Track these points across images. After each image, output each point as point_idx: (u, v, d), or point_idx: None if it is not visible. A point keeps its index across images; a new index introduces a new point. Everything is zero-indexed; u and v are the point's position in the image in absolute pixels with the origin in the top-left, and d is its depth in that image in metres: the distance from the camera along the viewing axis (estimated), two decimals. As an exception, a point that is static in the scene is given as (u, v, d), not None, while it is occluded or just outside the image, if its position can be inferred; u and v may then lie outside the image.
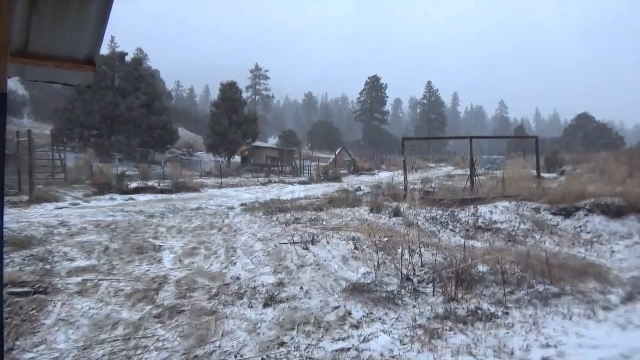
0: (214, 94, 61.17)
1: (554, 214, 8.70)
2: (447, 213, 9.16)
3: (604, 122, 77.10)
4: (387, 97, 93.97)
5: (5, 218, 6.24)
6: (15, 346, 3.42)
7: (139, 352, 3.40)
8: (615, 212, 8.16)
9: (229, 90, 43.69)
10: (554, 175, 20.65)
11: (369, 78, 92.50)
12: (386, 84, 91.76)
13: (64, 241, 6.93)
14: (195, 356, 3.36)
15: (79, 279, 5.08)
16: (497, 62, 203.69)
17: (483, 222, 8.43)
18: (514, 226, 8.13)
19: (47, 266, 5.54)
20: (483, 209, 9.09)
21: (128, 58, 41.02)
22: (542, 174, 14.92)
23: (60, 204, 12.11)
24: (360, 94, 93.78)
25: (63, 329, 3.79)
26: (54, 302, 4.34)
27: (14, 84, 54.35)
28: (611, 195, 8.75)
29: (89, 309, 4.24)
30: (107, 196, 14.77)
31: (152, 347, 3.48)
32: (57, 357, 3.30)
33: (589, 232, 7.78)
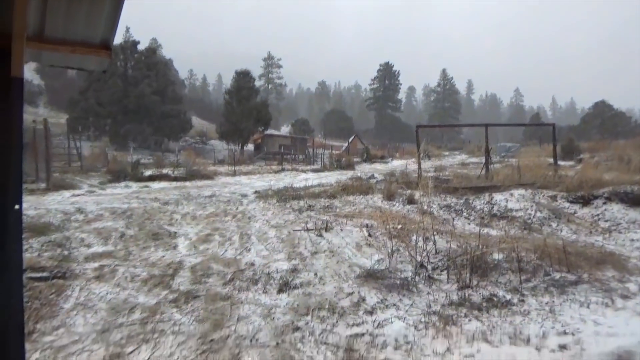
0: (227, 83, 61.28)
1: (571, 202, 8.58)
2: (461, 201, 9.09)
3: (622, 110, 75.46)
4: (401, 84, 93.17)
5: (24, 205, 6.35)
6: (36, 329, 3.49)
7: (155, 335, 3.45)
8: (634, 201, 8.01)
9: (243, 79, 43.70)
10: (570, 163, 20.33)
11: (381, 65, 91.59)
12: (399, 71, 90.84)
13: (81, 228, 7.03)
14: (211, 340, 3.39)
15: (96, 265, 5.15)
16: (512, 50, 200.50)
17: (498, 210, 8.35)
18: (530, 214, 8.03)
19: (65, 252, 5.63)
20: (498, 196, 8.99)
21: (142, 47, 41.19)
22: (558, 162, 14.71)
23: (77, 192, 12.28)
24: (372, 81, 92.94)
25: (82, 313, 3.85)
26: (73, 287, 4.41)
27: (30, 73, 55.02)
28: (630, 183, 8.60)
29: (107, 293, 4.30)
30: (123, 184, 14.94)
31: (168, 331, 3.53)
32: (76, 340, 3.36)
33: (607, 221, 7.66)
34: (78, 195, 11.65)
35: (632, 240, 6.68)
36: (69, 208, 8.70)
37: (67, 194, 11.73)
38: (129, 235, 6.63)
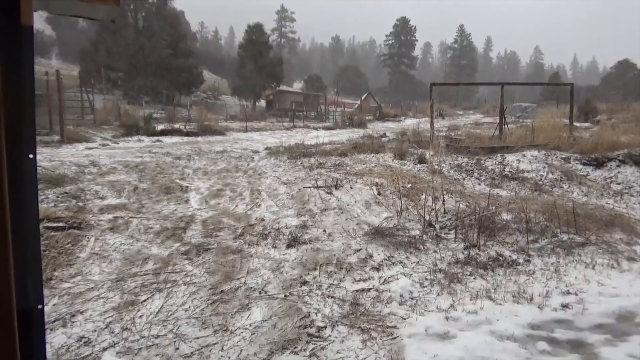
0: (239, 36, 60.10)
1: (584, 164, 8.48)
2: (473, 161, 9.03)
3: (646, 69, 72.90)
4: (417, 41, 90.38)
5: (39, 157, 6.43)
6: (54, 276, 3.63)
7: (168, 285, 3.57)
8: (649, 164, 7.90)
9: (255, 32, 42.84)
10: (587, 124, 19.93)
11: (397, 20, 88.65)
12: (415, 27, 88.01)
13: (95, 180, 7.16)
14: (222, 291, 3.51)
15: (110, 216, 5.28)
16: (534, 6, 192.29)
17: (510, 171, 8.30)
18: (542, 176, 7.98)
19: (80, 203, 5.77)
20: (510, 157, 8.91)
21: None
22: (575, 124, 14.43)
23: (90, 145, 12.42)
24: (387, 37, 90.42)
25: (97, 262, 3.99)
26: (88, 237, 4.55)
27: (41, 24, 54.46)
28: (646, 146, 8.45)
29: (121, 244, 4.43)
30: (135, 138, 15.05)
31: (180, 282, 3.65)
32: (92, 287, 3.50)
33: (619, 184, 7.59)
34: (91, 148, 11.79)
35: (644, 203, 6.64)
36: (83, 161, 8.83)
37: (80, 146, 11.87)
38: (141, 189, 6.75)
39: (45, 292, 3.19)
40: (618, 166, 8.09)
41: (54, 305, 3.17)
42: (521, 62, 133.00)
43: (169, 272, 3.83)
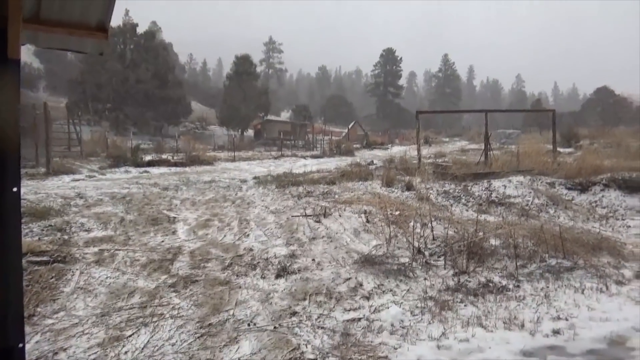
0: (227, 67, 60.81)
1: (569, 188, 8.60)
2: (460, 187, 9.10)
3: (624, 96, 75.02)
4: (402, 70, 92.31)
5: (24, 189, 6.35)
6: (36, 313, 3.53)
7: (155, 319, 3.49)
8: (631, 187, 8.04)
9: (243, 63, 43.43)
10: (570, 149, 20.31)
11: (383, 51, 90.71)
12: (401, 57, 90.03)
13: (81, 212, 7.06)
14: (210, 324, 3.43)
15: (96, 249, 5.19)
16: (514, 35, 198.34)
17: (496, 197, 8.37)
18: (528, 201, 8.06)
19: (65, 236, 5.67)
20: (497, 183, 9.01)
21: (141, 30, 40.76)
22: (558, 149, 14.70)
23: (76, 176, 12.30)
24: (374, 67, 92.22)
25: (82, 297, 3.90)
26: (73, 271, 4.45)
27: (29, 57, 54.57)
28: (628, 170, 8.61)
29: (107, 277, 4.34)
30: (122, 169, 14.95)
31: (167, 315, 3.57)
32: (76, 323, 3.40)
33: (604, 207, 7.69)
34: (78, 180, 11.67)
35: (629, 226, 6.72)
36: (69, 192, 8.72)
37: (67, 178, 11.75)
38: (128, 220, 6.66)
39: (27, 329, 3.10)
40: (602, 190, 8.22)
41: (36, 342, 3.08)
42: (504, 89, 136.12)
43: (156, 306, 3.76)
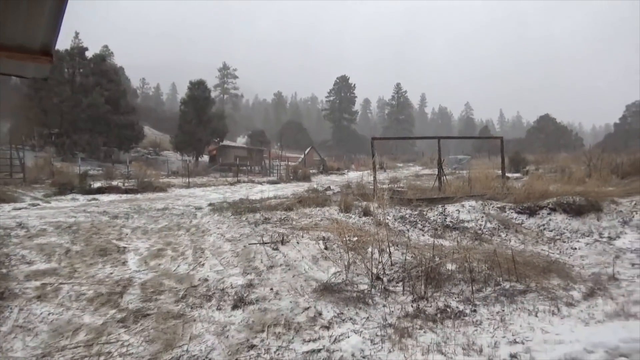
0: (182, 92, 60.11)
1: (518, 212, 8.91)
2: (416, 212, 9.25)
3: (564, 124, 79.87)
4: (356, 97, 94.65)
5: (-42, 220, 5.89)
6: (-33, 355, 3.24)
7: (102, 358, 3.28)
8: (576, 211, 8.42)
9: (197, 88, 43.00)
10: (518, 175, 21.22)
11: (338, 78, 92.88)
12: (355, 84, 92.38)
13: (22, 244, 6.62)
14: (162, 361, 3.25)
15: (37, 283, 4.86)
16: (462, 66, 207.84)
17: (451, 221, 8.55)
18: (481, 225, 8.28)
19: (4, 270, 5.28)
20: (451, 208, 9.23)
21: (91, 54, 39.70)
22: (507, 174, 15.29)
23: (18, 205, 11.61)
24: (329, 93, 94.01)
25: (20, 336, 3.61)
26: (11, 308, 4.13)
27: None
28: (572, 194, 9.03)
29: (49, 314, 4.06)
30: (69, 196, 14.26)
31: (115, 353, 3.36)
32: (13, 366, 3.14)
33: (551, 230, 8.00)
34: (20, 208, 11.01)
35: (575, 249, 7.00)
36: (9, 223, 8.19)
37: (7, 207, 11.06)
38: (74, 251, 6.30)
39: (-45, 375, 2.82)
40: (549, 214, 8.57)
41: (-35, 390, 2.80)
42: (454, 116, 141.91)
43: (103, 343, 3.52)
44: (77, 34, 46.92)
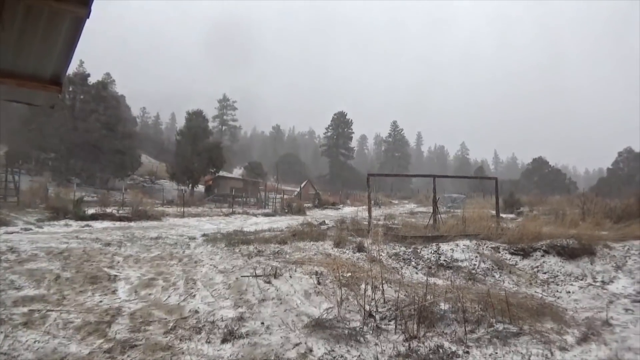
0: (181, 122, 60.70)
1: (512, 253, 8.92)
2: (410, 250, 9.24)
3: (557, 166, 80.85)
4: (353, 133, 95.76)
5: (-52, 242, 5.83)
6: (-52, 382, 3.15)
7: (86, 389, 3.20)
8: (570, 254, 8.44)
9: (195, 119, 43.44)
10: (512, 215, 21.29)
11: (335, 114, 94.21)
12: (352, 120, 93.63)
13: (11, 268, 6.54)
14: (147, 394, 3.18)
15: (25, 310, 4.78)
16: (459, 107, 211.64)
17: (445, 260, 8.53)
18: (475, 265, 8.26)
19: (-9, 295, 5.20)
20: (445, 246, 9.22)
21: (93, 81, 40.23)
22: (501, 214, 15.36)
23: (10, 229, 11.52)
24: (327, 129, 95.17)
25: (3, 364, 3.53)
26: (-4, 334, 4.05)
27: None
28: (566, 237, 9.07)
29: (35, 342, 3.98)
30: (63, 222, 14.16)
31: (100, 385, 3.28)
32: (-6, 394, 3.06)
33: (545, 273, 7.99)
34: (12, 232, 10.92)
35: (568, 292, 6.98)
36: (0, 246, 8.11)
37: (-1, 231, 10.97)
38: (64, 278, 6.23)
39: None
40: (542, 256, 8.58)
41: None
42: (449, 155, 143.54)
43: (88, 374, 3.45)
44: (81, 62, 47.60)
